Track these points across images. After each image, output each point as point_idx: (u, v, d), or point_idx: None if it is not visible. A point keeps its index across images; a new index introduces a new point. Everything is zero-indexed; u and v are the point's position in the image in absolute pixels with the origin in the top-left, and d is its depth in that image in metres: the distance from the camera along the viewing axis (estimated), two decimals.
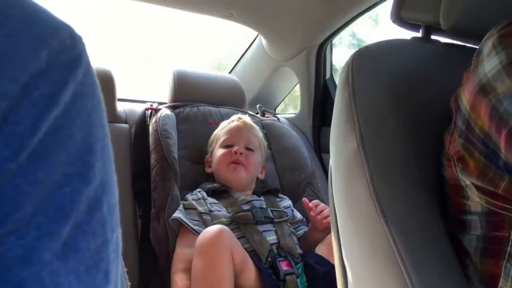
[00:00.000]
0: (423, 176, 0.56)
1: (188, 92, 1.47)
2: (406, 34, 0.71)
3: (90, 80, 0.22)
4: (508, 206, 0.45)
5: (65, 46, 0.21)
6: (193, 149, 1.32)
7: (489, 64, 0.44)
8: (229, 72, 1.91)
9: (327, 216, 1.10)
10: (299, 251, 1.10)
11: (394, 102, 0.58)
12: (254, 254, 1.01)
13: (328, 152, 0.65)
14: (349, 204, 0.57)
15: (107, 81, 1.36)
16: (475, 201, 0.49)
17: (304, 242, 1.16)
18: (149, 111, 1.40)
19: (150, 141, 1.28)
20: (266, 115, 1.67)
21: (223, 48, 2.59)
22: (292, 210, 1.24)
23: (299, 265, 1.04)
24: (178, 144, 1.29)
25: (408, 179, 0.55)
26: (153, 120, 1.33)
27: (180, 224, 1.06)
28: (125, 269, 0.27)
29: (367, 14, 1.35)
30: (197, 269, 0.91)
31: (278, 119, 1.65)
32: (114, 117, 1.41)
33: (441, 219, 0.54)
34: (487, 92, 0.44)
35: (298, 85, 1.75)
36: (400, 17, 0.69)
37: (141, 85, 2.33)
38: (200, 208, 1.09)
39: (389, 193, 0.52)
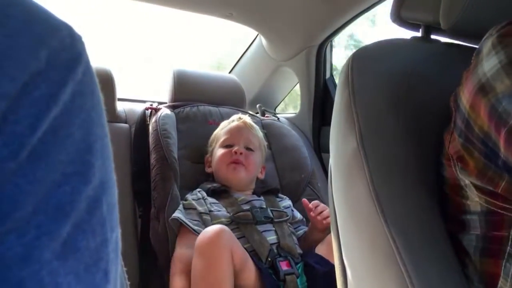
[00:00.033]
0: (423, 176, 0.56)
1: (188, 91, 1.47)
2: (404, 35, 0.71)
3: (89, 79, 0.22)
4: (508, 206, 0.45)
5: (64, 46, 0.21)
6: (193, 148, 1.32)
7: (489, 63, 0.44)
8: (229, 72, 1.91)
9: (327, 217, 1.10)
10: (299, 251, 1.10)
11: (393, 101, 0.58)
12: (254, 254, 1.01)
13: (328, 151, 0.65)
14: (348, 204, 0.57)
15: (107, 81, 1.36)
16: (475, 201, 0.49)
17: (304, 242, 1.16)
18: (149, 110, 1.40)
19: (150, 140, 1.28)
20: (266, 115, 1.67)
21: (223, 48, 2.59)
22: (292, 210, 1.24)
23: (299, 265, 1.04)
24: (178, 144, 1.29)
25: (407, 178, 0.55)
26: (153, 119, 1.33)
27: (180, 224, 1.06)
28: (124, 269, 0.27)
29: (364, 15, 1.35)
30: (196, 269, 0.91)
31: (278, 118, 1.65)
32: (114, 116, 1.41)
33: (440, 219, 0.54)
34: (486, 92, 0.44)
35: (298, 85, 1.75)
36: (400, 17, 0.69)
37: (141, 84, 2.34)
38: (200, 208, 1.09)
39: (389, 193, 0.52)
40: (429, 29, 0.67)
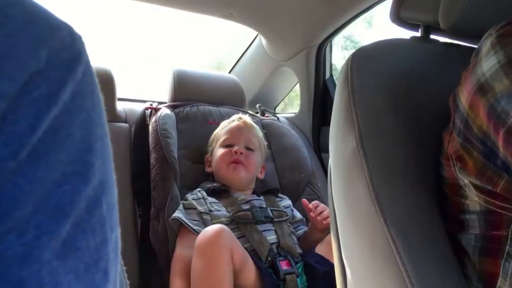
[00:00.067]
0: (422, 176, 0.56)
1: (188, 91, 1.47)
2: (401, 36, 0.71)
3: (89, 79, 0.22)
4: (507, 205, 0.45)
5: (64, 45, 0.21)
6: (193, 148, 1.32)
7: (488, 63, 0.44)
8: (229, 72, 1.91)
9: (327, 217, 1.10)
10: (299, 250, 1.10)
11: (393, 101, 0.58)
12: (254, 254, 1.01)
13: (327, 151, 0.65)
14: (348, 204, 0.57)
15: (107, 81, 1.36)
16: (474, 200, 0.49)
17: (304, 242, 1.16)
18: (149, 110, 1.40)
19: (150, 140, 1.28)
20: (266, 115, 1.67)
21: (223, 48, 2.59)
22: (292, 210, 1.24)
23: (299, 264, 1.04)
24: (178, 144, 1.29)
25: (407, 178, 0.55)
26: (153, 119, 1.33)
27: (180, 224, 1.06)
28: (124, 268, 0.27)
29: (361, 16, 1.35)
30: (196, 268, 0.91)
31: (278, 118, 1.65)
32: (114, 116, 1.41)
33: (440, 219, 0.54)
34: (485, 92, 0.44)
35: (297, 85, 1.75)
36: (399, 17, 0.69)
37: (141, 84, 2.34)
38: (200, 208, 1.09)
39: (388, 193, 0.52)
40: (428, 29, 0.67)
